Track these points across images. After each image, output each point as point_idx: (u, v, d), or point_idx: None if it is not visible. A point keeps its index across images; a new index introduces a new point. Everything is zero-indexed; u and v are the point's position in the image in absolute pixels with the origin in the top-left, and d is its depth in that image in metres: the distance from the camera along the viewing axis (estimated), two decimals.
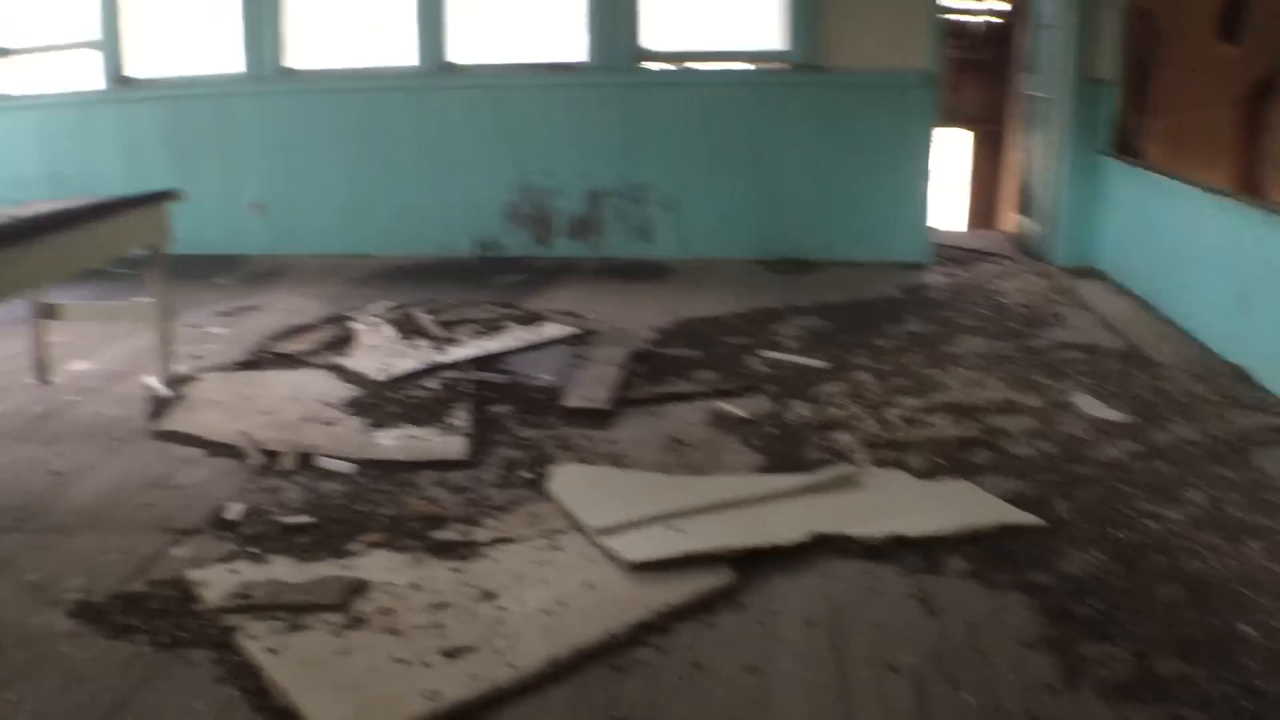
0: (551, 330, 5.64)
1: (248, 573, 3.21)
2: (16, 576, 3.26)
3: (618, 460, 4.04)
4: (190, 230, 7.68)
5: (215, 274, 7.34)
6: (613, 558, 3.21)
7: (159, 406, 4.75)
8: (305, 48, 7.78)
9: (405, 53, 7.58)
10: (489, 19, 7.60)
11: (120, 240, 4.74)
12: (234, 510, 3.65)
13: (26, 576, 3.26)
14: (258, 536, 3.47)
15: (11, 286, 4.00)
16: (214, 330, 6.01)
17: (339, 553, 3.34)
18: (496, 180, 7.61)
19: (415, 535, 3.44)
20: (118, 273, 5.78)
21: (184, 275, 7.06)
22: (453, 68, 7.59)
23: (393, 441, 4.18)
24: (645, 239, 7.56)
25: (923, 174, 7.28)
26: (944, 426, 4.28)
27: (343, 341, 5.55)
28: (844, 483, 3.74)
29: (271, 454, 4.10)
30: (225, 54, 7.75)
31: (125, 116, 7.91)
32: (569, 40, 7.50)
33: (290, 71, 7.77)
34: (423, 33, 7.50)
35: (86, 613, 3.05)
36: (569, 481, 3.76)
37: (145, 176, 7.74)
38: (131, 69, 7.96)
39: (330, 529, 3.52)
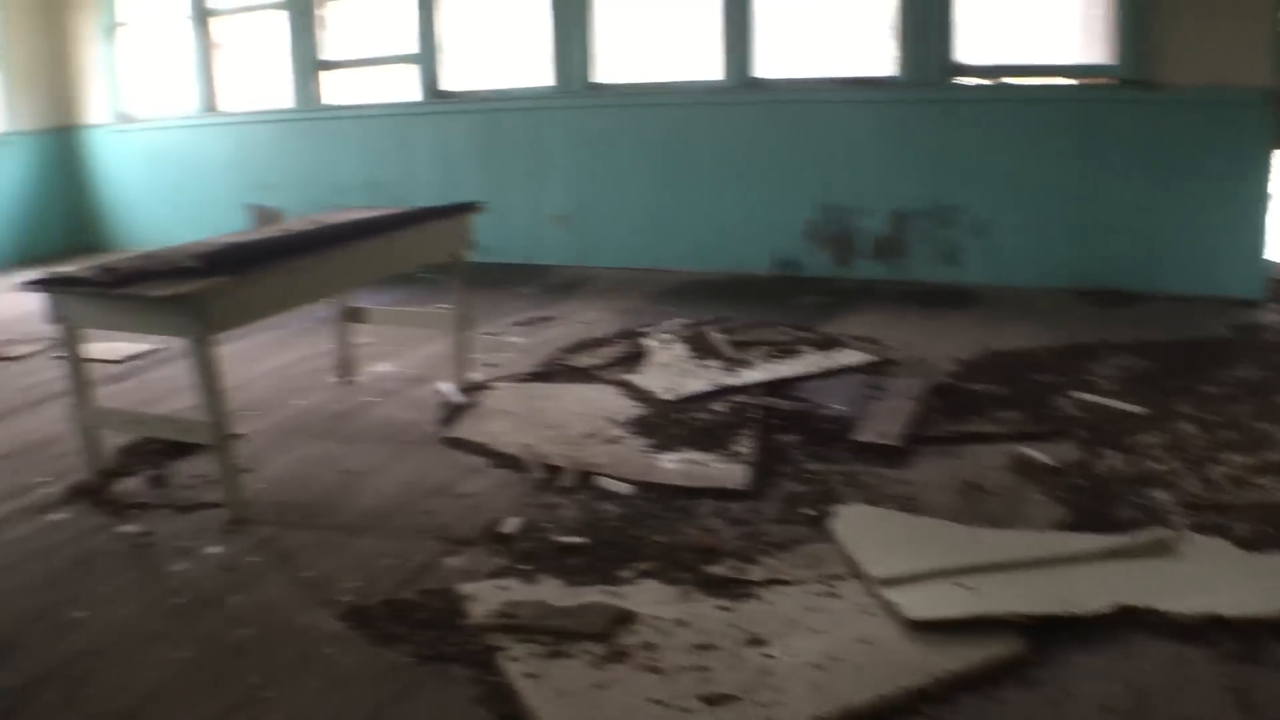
0: (847, 357, 5.32)
1: (516, 591, 3.12)
2: (294, 573, 3.32)
3: (908, 503, 3.69)
4: (496, 239, 7.96)
5: (518, 283, 7.49)
6: (893, 612, 2.88)
7: (451, 413, 4.80)
8: (612, 63, 7.84)
9: (710, 68, 7.46)
10: (795, 33, 7.36)
11: (424, 249, 4.83)
12: (510, 524, 3.58)
13: (304, 574, 3.32)
14: (530, 554, 3.38)
15: (322, 289, 4.15)
16: (511, 339, 6.08)
17: (609, 578, 3.19)
18: (798, 198, 7.36)
19: (687, 567, 3.24)
20: (427, 278, 5.93)
21: (488, 283, 7.28)
22: (758, 83, 7.41)
23: (674, 465, 4.01)
24: (952, 263, 7.08)
25: (1259, 201, 6.40)
26: (1276, 490, 3.66)
27: (634, 357, 5.46)
28: (1157, 549, 3.23)
29: (553, 469, 4.02)
30: (535, 69, 7.94)
31: (439, 127, 8.25)
32: (877, 54, 7.14)
33: (597, 86, 7.85)
34: (728, 48, 7.37)
35: (355, 616, 3.04)
36: (854, 523, 3.45)
37: (457, 185, 8.06)
38: (447, 83, 8.30)
39: (602, 552, 3.38)
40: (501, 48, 8.26)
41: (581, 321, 6.43)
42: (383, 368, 5.60)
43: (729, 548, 3.37)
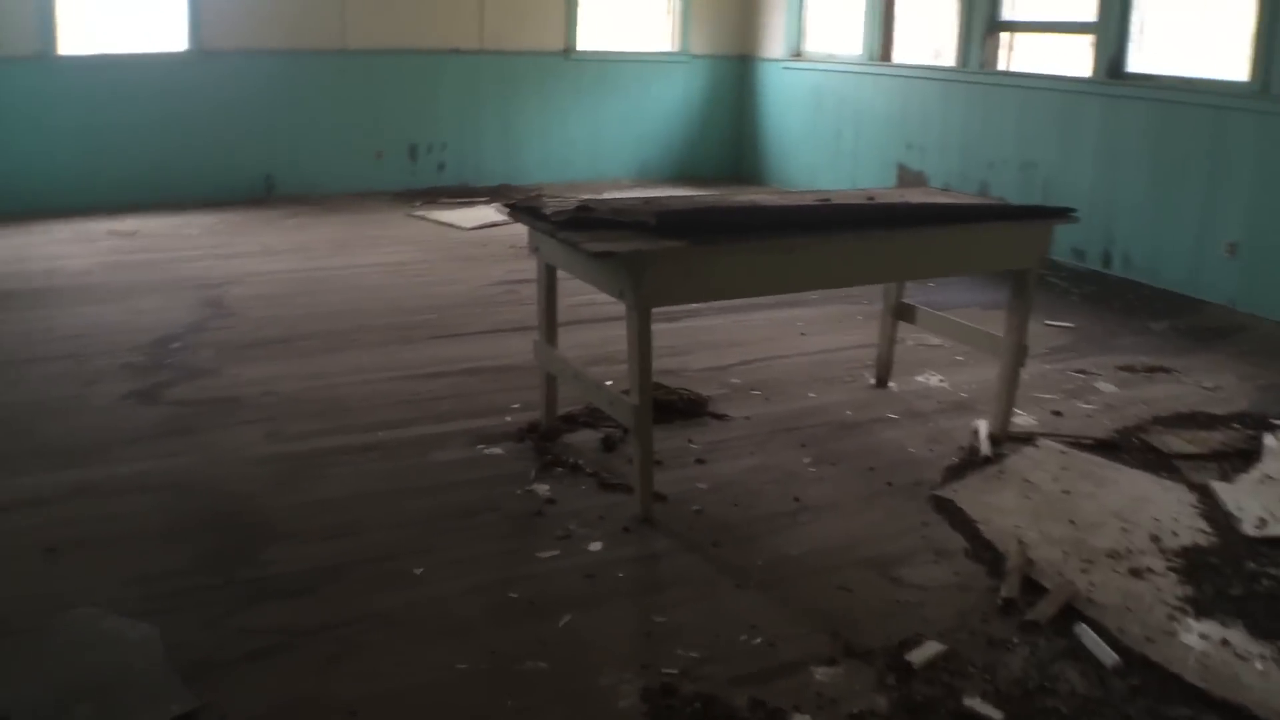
0: None
1: None
2: (646, 611, 2.80)
3: None
4: (1146, 255, 6.56)
5: (1150, 315, 6.06)
6: None
7: (965, 463, 3.84)
8: None
9: None
10: None
11: (985, 252, 3.84)
12: (925, 651, 2.62)
13: (655, 617, 2.71)
14: (919, 706, 2.41)
15: (808, 278, 3.41)
16: (1101, 385, 4.84)
17: None
18: None
19: None
20: (1054, 282, 4.90)
21: (1114, 306, 6.05)
22: None
23: (1200, 644, 2.73)
24: None
25: None
26: None
27: (1243, 455, 4.03)
28: None
29: (1034, 588, 2.95)
30: (1227, 56, 6.26)
31: (1108, 113, 6.91)
32: None
33: None
34: None
35: (658, 701, 2.36)
36: None
37: (1115, 182, 6.77)
38: (1131, 62, 6.90)
39: None
40: (1187, 26, 6.67)
41: (1204, 385, 4.96)
42: (930, 379, 4.72)
43: None
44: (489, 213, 8.22)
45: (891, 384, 4.59)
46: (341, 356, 4.74)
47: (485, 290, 6.01)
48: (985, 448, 3.97)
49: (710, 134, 10.42)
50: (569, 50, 9.67)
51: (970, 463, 3.84)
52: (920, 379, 4.71)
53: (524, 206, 3.41)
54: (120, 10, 8.11)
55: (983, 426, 4.14)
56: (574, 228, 3.08)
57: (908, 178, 8.62)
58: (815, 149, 9.64)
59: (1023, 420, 4.22)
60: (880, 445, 3.98)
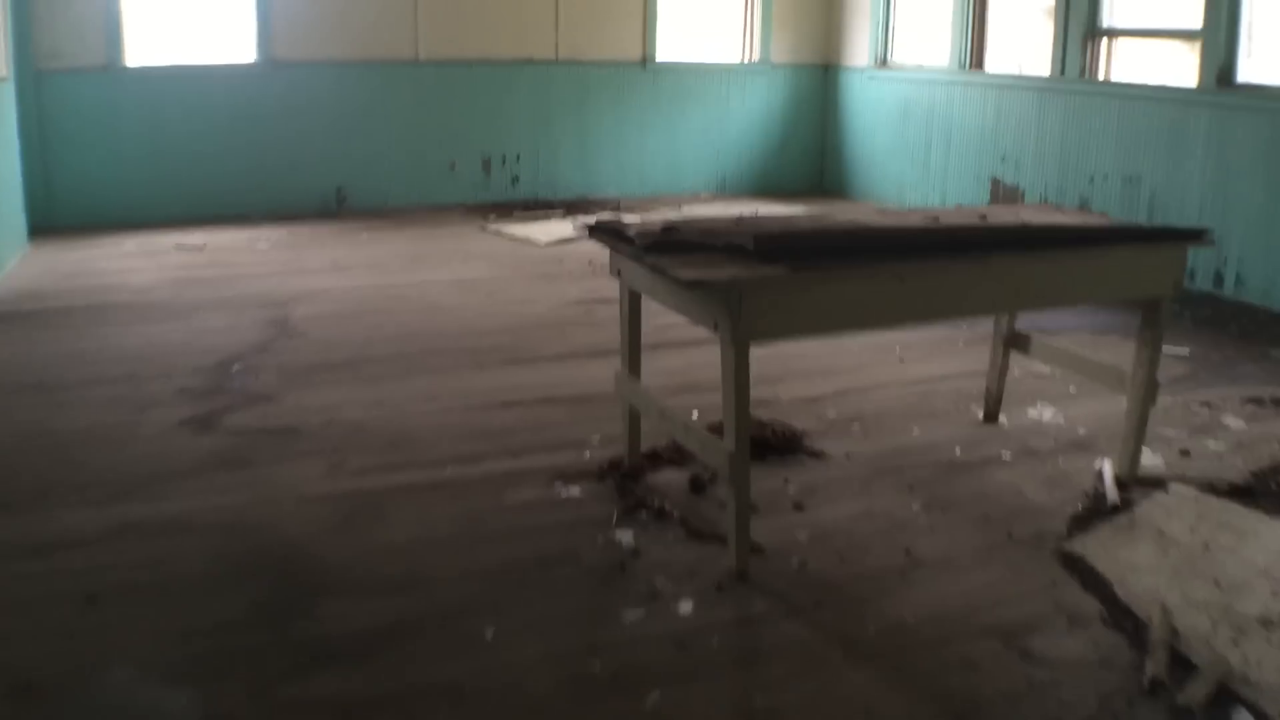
0: None
1: None
2: (739, 695, 2.39)
3: None
4: (1266, 277, 6.09)
5: (1272, 341, 5.59)
6: None
7: (1091, 511, 3.46)
8: None
9: None
10: None
11: (1117, 279, 3.44)
12: None
13: (755, 700, 2.35)
14: None
15: (923, 308, 3.04)
16: (1229, 420, 4.40)
17: None
18: None
19: None
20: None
21: (1237, 330, 5.60)
22: None
23: None
24: None
25: None
26: None
27: None
28: None
29: (1182, 662, 2.57)
30: None
31: (1219, 126, 6.43)
32: None
33: None
34: None
35: None
36: None
37: (1230, 199, 6.30)
38: (1243, 72, 6.42)
39: None
40: None
41: None
42: (1044, 414, 4.33)
43: None
44: (565, 227, 7.96)
45: (1001, 418, 4.22)
46: (409, 382, 4.48)
47: (561, 310, 5.73)
48: (1112, 494, 3.58)
49: (792, 146, 10.07)
50: (646, 60, 9.39)
51: (1097, 510, 3.46)
52: (1033, 413, 4.32)
53: (604, 227, 3.10)
54: (188, 21, 7.99)
55: (1107, 468, 3.75)
56: (661, 251, 2.77)
57: (1004, 192, 8.20)
58: (903, 162, 9.25)
59: (1149, 461, 3.82)
60: (995, 489, 3.60)
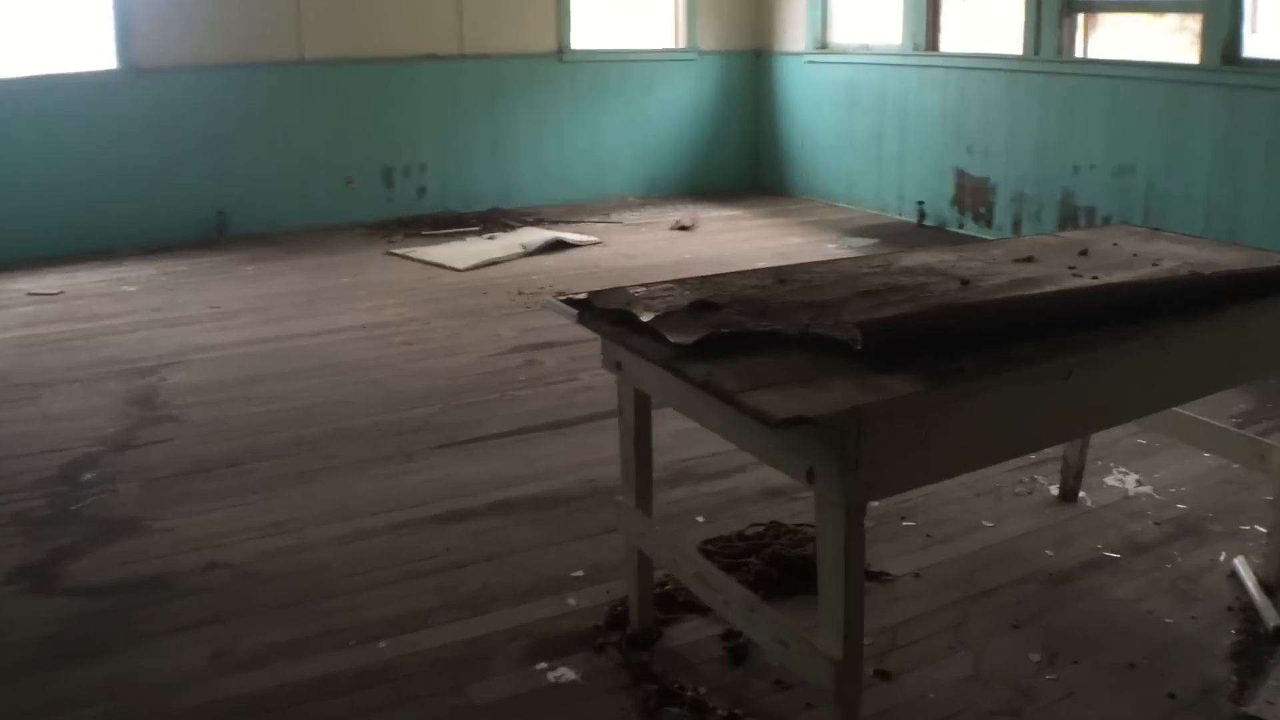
0: None
1: None
2: None
3: None
4: None
5: None
6: None
7: (1250, 640, 2.59)
8: None
9: None
10: None
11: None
12: None
13: None
14: None
15: (1139, 403, 2.10)
16: None
17: None
18: None
19: None
20: None
21: None
22: None
23: None
24: None
25: None
26: None
27: None
28: None
29: None
30: None
31: (1225, 107, 5.66)
32: None
33: None
34: None
35: None
36: None
37: (1240, 191, 5.52)
38: (1249, 46, 5.67)
39: None
40: None
41: None
42: (1123, 481, 3.46)
43: None
44: (484, 247, 6.92)
45: (1079, 496, 3.32)
46: (316, 489, 3.43)
47: (496, 363, 4.71)
48: (1267, 610, 2.70)
49: (725, 141, 9.15)
50: (562, 50, 8.37)
51: (1256, 638, 2.58)
52: (1111, 482, 3.46)
53: (600, 308, 2.10)
54: (33, 24, 6.71)
55: (1243, 571, 2.88)
56: (706, 355, 1.78)
57: (970, 188, 7.38)
58: (851, 154, 8.39)
59: None
60: (1120, 614, 2.71)
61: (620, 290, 2.24)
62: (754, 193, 9.05)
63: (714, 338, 1.82)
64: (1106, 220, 6.38)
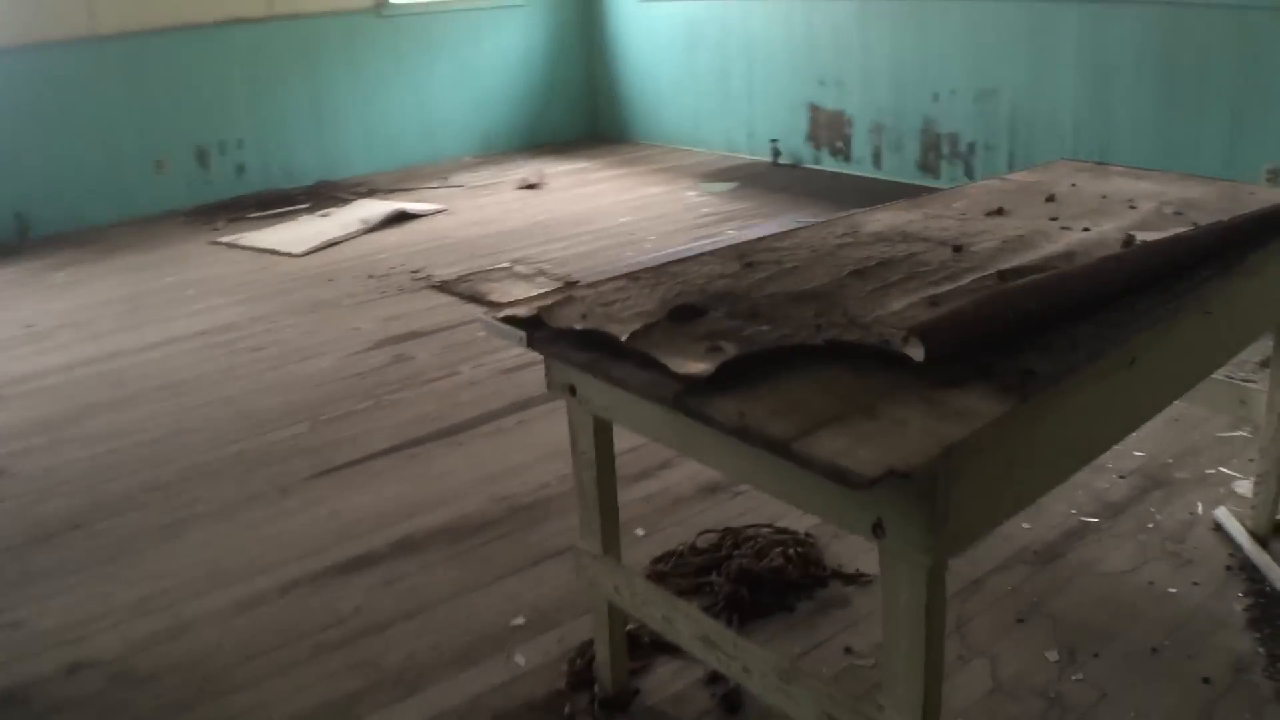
0: None
1: None
2: None
3: None
4: None
5: None
6: None
7: (1263, 600, 2.38)
8: None
9: None
10: None
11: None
12: None
13: None
14: None
15: (1192, 373, 1.80)
16: None
17: None
18: None
19: None
20: None
21: None
22: None
23: None
24: None
25: None
26: None
27: None
28: None
29: None
30: None
31: (1092, 22, 5.54)
32: None
33: None
34: None
35: None
36: None
37: (1111, 113, 5.42)
38: None
39: None
40: None
41: None
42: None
43: None
44: (322, 226, 6.32)
45: None
46: (182, 546, 2.90)
47: (360, 361, 4.20)
48: (1265, 564, 2.52)
49: (561, 90, 8.70)
50: (380, 5, 7.72)
51: (1268, 600, 2.38)
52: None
53: (561, 328, 1.67)
54: None
55: (1227, 523, 2.71)
56: (721, 384, 1.39)
57: (826, 121, 7.13)
58: (695, 95, 8.05)
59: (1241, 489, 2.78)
60: (1120, 590, 2.49)
61: (569, 299, 1.82)
62: (595, 141, 8.64)
63: (731, 365, 1.42)
64: (971, 148, 6.22)
